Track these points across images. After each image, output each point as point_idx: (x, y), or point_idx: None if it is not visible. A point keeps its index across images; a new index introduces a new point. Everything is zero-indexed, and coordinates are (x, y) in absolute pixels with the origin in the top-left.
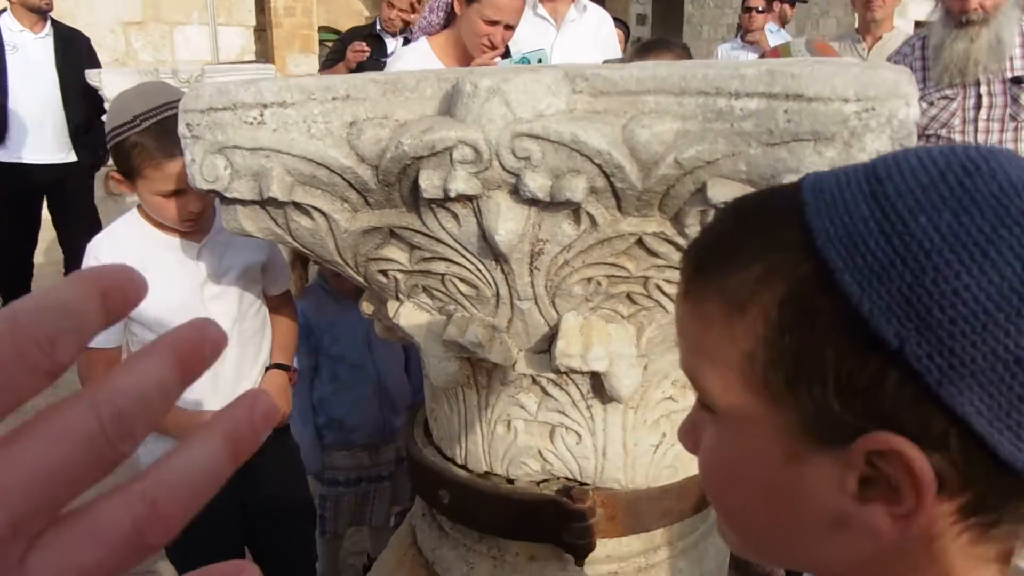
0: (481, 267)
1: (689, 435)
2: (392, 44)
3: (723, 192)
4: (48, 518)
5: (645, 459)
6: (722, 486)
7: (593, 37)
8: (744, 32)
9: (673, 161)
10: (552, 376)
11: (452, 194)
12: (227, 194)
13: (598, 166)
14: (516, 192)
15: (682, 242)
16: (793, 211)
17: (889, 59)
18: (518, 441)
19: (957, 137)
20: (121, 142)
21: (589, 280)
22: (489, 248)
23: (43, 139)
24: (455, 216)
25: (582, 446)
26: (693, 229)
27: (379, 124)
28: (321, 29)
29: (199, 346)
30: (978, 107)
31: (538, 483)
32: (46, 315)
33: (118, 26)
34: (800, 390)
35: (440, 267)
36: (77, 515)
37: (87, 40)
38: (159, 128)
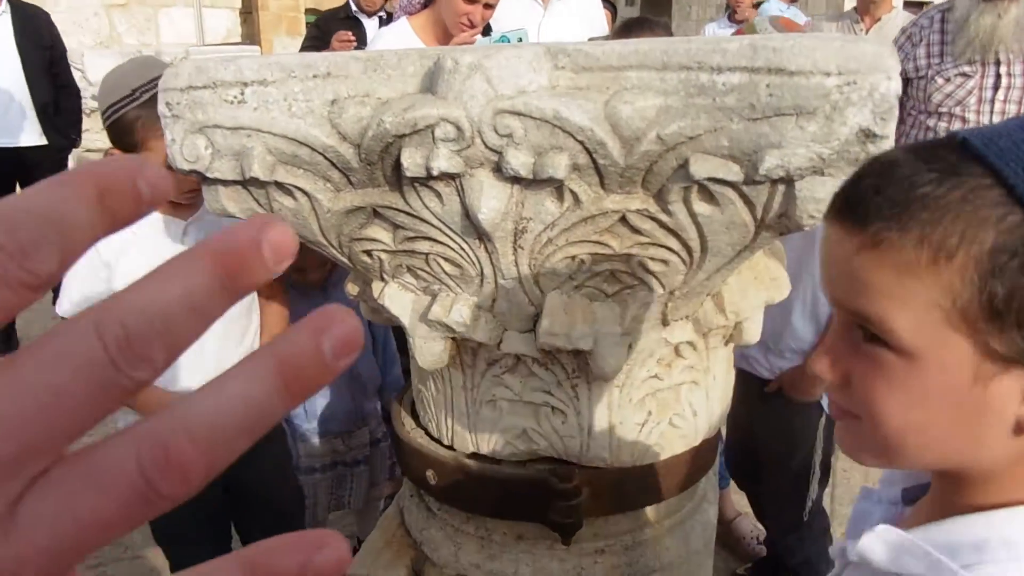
0: (465, 246)
1: (835, 367)
2: (369, 24)
3: (705, 168)
4: (48, 457)
5: (630, 437)
6: (903, 410)
7: (580, 17)
8: (731, 11)
9: (655, 137)
10: (537, 355)
11: (434, 172)
12: (208, 174)
13: (580, 143)
14: (499, 170)
15: (665, 219)
16: (978, 165)
17: (904, 31)
18: (503, 421)
19: (971, 116)
20: (120, 118)
21: (573, 258)
22: (472, 227)
23: (8, 121)
24: (438, 195)
25: (567, 425)
26: (676, 206)
27: (360, 102)
28: (307, 12)
29: (250, 253)
30: (996, 87)
31: (524, 463)
32: (18, 218)
33: (101, 8)
34: (1006, 320)
35: (424, 246)
36: (79, 456)
37: (47, 16)
38: (155, 101)
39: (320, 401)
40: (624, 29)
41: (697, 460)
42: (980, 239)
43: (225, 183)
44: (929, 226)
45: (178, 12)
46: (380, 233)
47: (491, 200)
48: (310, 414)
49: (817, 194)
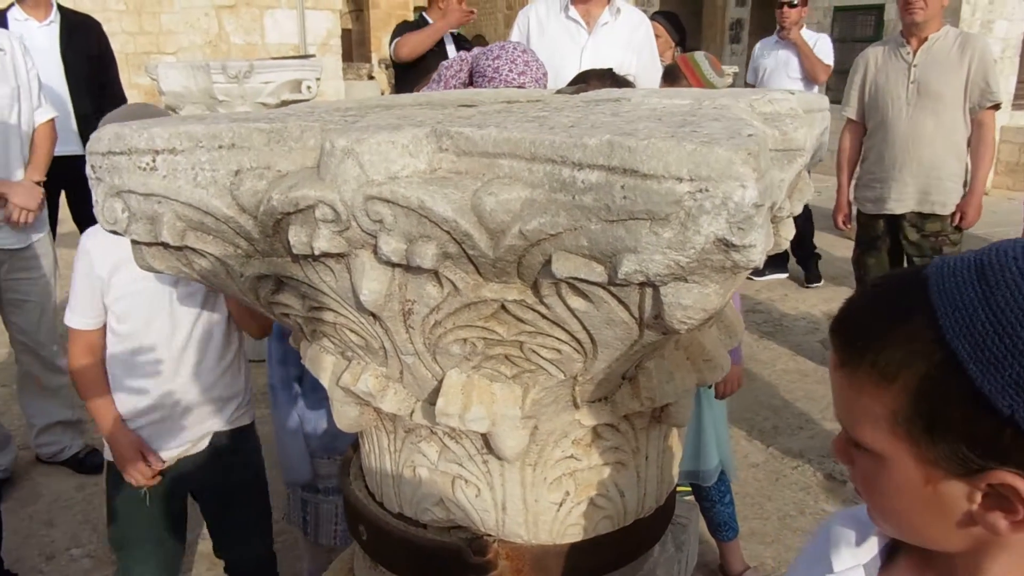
0: (363, 321)
1: (843, 454)
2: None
3: (567, 267)
4: None
5: (547, 516)
6: (875, 495)
7: (627, 41)
8: (779, 28)
9: (518, 232)
10: (447, 429)
11: (316, 252)
12: (127, 236)
13: (448, 232)
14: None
15: (545, 311)
16: (925, 306)
17: None
18: (423, 488)
19: None
20: None
21: (465, 340)
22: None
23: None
24: (331, 270)
25: (481, 499)
26: (552, 299)
27: (259, 175)
28: (417, 9)
29: None
30: None
31: (449, 529)
32: None
33: (212, 9)
34: (936, 438)
35: (329, 317)
36: None
37: (98, 25)
38: None
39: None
40: (669, 77)
41: (629, 540)
42: (914, 367)
43: (147, 244)
44: (878, 354)
45: (282, 14)
46: (291, 300)
47: (372, 282)
48: (322, 432)
49: (683, 300)
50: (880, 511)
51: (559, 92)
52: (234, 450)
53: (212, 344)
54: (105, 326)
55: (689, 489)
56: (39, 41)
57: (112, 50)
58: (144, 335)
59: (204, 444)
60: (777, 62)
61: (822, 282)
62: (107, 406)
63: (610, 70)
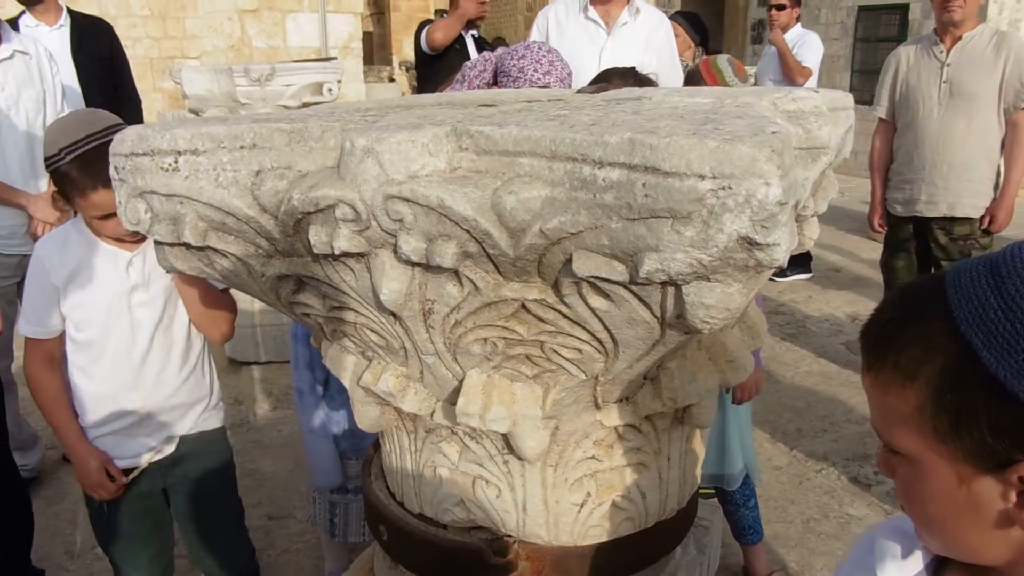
0: (383, 320)
1: (885, 465)
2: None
3: (588, 266)
4: None
5: (568, 517)
6: (916, 504)
7: (646, 41)
8: (769, 30)
9: (539, 231)
10: (467, 429)
11: (337, 251)
12: (150, 236)
13: (467, 231)
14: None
15: (566, 310)
16: (942, 304)
17: None
18: (443, 488)
19: None
20: (54, 171)
21: (485, 340)
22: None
23: None
24: (351, 270)
25: (502, 500)
26: (572, 299)
27: (280, 175)
28: (437, 12)
29: None
30: None
31: (469, 529)
32: None
33: (235, 14)
34: (962, 431)
35: (350, 316)
36: None
37: (108, 28)
38: (81, 160)
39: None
40: (690, 81)
41: (651, 542)
42: (933, 362)
43: (170, 244)
44: (900, 354)
45: (304, 17)
46: (312, 300)
47: (392, 282)
48: (350, 433)
49: (706, 300)
50: (921, 521)
51: (579, 91)
52: (201, 453)
53: (174, 350)
54: (63, 335)
55: (712, 491)
56: (51, 46)
57: (124, 51)
58: (103, 344)
59: (170, 448)
60: (766, 64)
61: (789, 276)
62: (68, 420)
63: (632, 69)
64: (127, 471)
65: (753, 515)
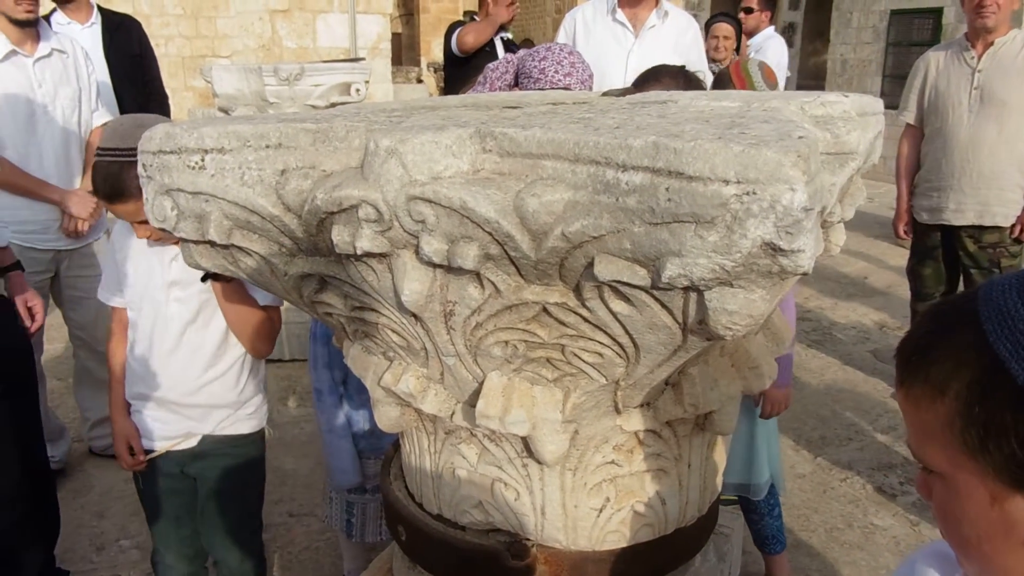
0: (404, 321)
1: (923, 487)
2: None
3: (610, 270)
4: None
5: (587, 522)
6: (951, 525)
7: (674, 44)
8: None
9: (561, 234)
10: (487, 431)
11: (359, 251)
12: (176, 234)
13: (489, 234)
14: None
15: (587, 314)
16: (973, 317)
17: None
18: (462, 490)
19: None
20: (96, 167)
21: (506, 343)
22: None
23: None
24: (373, 270)
25: (520, 503)
26: (594, 303)
27: (304, 175)
28: (466, 14)
29: None
30: None
31: (487, 532)
32: None
33: (266, 14)
34: (992, 446)
35: (371, 317)
36: None
37: (138, 25)
38: (97, 171)
39: (372, 419)
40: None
41: (670, 549)
42: (962, 375)
43: (195, 241)
44: (930, 368)
45: (334, 18)
46: (334, 299)
47: (413, 283)
48: (369, 432)
49: (728, 306)
50: (957, 544)
51: (605, 94)
52: (222, 454)
53: (202, 352)
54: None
55: (735, 499)
56: (83, 43)
57: (152, 48)
58: (142, 327)
59: (192, 443)
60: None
61: None
62: (117, 390)
63: (682, 68)
64: (148, 451)
65: (777, 524)
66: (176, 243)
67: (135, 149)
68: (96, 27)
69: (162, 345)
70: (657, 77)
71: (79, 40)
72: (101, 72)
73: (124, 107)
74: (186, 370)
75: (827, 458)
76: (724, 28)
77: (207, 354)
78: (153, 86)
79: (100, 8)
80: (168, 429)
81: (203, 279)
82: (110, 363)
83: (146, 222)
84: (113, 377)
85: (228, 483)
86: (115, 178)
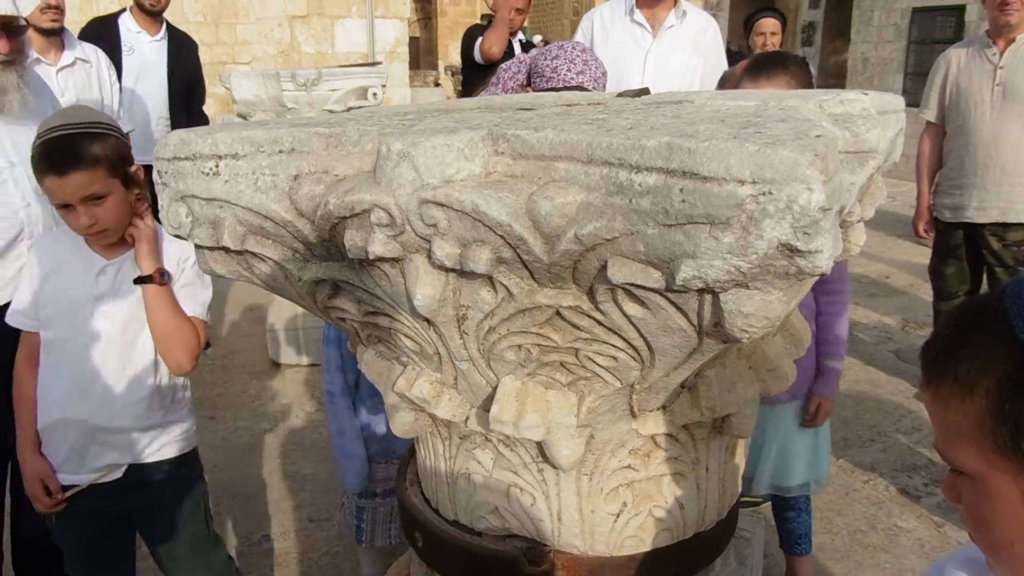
0: (417, 326)
1: (951, 490)
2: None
3: (624, 272)
4: None
5: (604, 527)
6: (981, 528)
7: (693, 44)
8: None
9: (574, 236)
10: (502, 436)
11: (371, 256)
12: (190, 240)
13: (502, 237)
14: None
15: (601, 317)
16: (1001, 314)
17: None
18: (477, 495)
19: None
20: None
21: (519, 347)
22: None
23: (150, 143)
24: (386, 275)
25: (536, 508)
26: (608, 306)
27: (317, 179)
28: (483, 17)
29: None
30: None
31: (504, 537)
32: None
33: (285, 19)
34: (1023, 443)
35: (384, 322)
36: None
37: (196, 46)
38: (43, 147)
39: (383, 423)
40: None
41: (689, 554)
42: (991, 372)
43: (210, 248)
44: (959, 365)
45: (352, 23)
46: (347, 304)
47: (426, 287)
48: (380, 436)
49: (744, 308)
50: (988, 547)
51: (620, 95)
52: (151, 482)
53: (128, 371)
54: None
55: (760, 501)
56: (148, 55)
57: (202, 70)
58: (62, 347)
59: (118, 474)
60: None
61: None
62: (27, 424)
63: (804, 59)
64: (68, 488)
65: (809, 522)
66: (114, 252)
67: (87, 123)
68: (164, 42)
69: (85, 364)
70: (785, 66)
71: (145, 52)
72: (159, 84)
73: (176, 122)
74: (111, 390)
75: (850, 460)
76: (770, 24)
77: (133, 373)
78: (197, 105)
79: (168, 24)
80: (90, 461)
81: (136, 281)
82: (17, 395)
83: (91, 197)
84: (22, 411)
85: (170, 509)
86: (69, 144)
